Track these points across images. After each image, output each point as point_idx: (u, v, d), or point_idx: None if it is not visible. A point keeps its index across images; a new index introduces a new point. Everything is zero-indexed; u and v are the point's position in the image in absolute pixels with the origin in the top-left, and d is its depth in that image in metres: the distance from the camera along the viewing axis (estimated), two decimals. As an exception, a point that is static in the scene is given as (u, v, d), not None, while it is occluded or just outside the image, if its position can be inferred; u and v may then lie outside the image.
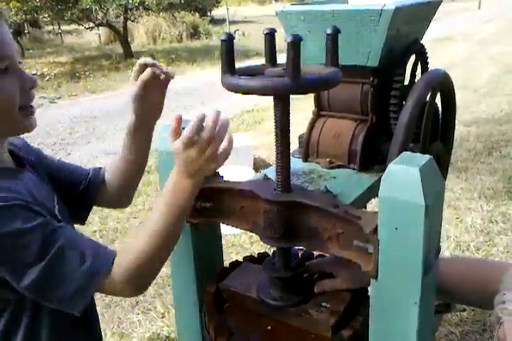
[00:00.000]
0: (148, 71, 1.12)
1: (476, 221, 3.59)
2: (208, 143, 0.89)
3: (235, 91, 0.92)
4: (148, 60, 1.13)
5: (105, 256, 0.95)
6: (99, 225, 3.80)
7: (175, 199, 0.96)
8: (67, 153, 5.81)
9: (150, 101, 1.17)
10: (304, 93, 0.92)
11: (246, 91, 0.90)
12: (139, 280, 0.98)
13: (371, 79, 1.22)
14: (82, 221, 1.33)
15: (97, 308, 2.82)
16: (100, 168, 1.34)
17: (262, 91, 0.88)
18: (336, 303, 1.09)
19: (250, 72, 0.96)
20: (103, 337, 2.41)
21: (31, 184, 1.04)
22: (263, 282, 1.16)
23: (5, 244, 0.86)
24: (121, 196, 1.35)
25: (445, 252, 3.04)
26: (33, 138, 5.49)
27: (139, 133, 1.22)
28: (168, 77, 1.13)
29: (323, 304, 1.09)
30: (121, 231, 3.72)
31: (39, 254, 0.88)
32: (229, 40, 0.92)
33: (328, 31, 0.93)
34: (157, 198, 1.01)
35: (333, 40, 0.94)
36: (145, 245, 0.96)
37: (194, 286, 1.26)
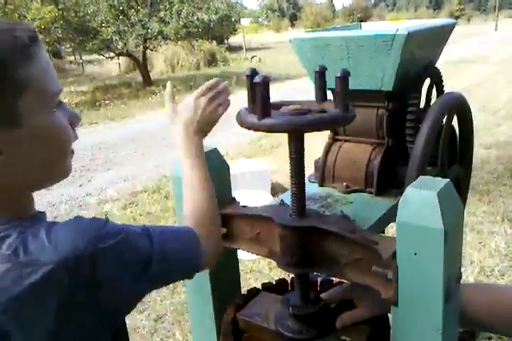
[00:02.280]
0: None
1: (500, 245, 3.51)
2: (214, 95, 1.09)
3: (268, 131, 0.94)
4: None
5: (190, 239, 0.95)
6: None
7: (198, 155, 1.06)
8: (87, 179, 5.88)
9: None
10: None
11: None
12: (218, 230, 1.05)
13: (386, 103, 1.22)
14: None
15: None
16: None
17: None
18: (356, 336, 1.07)
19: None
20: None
21: None
22: (281, 313, 1.13)
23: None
24: None
25: (469, 277, 2.97)
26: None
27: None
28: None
29: (343, 338, 1.07)
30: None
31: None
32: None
33: (338, 74, 0.93)
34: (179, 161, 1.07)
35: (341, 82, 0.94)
36: (202, 200, 1.02)
37: (212, 313, 1.24)
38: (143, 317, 2.85)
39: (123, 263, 0.77)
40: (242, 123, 0.94)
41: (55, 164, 0.81)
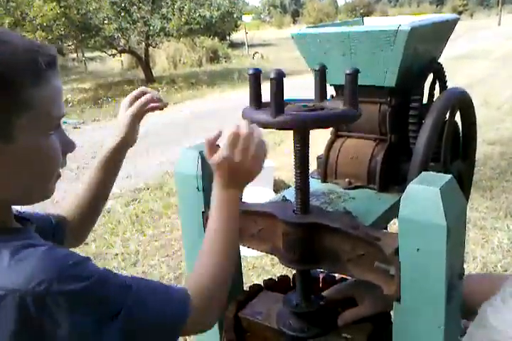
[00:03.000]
0: (149, 94, 1.16)
1: (503, 241, 3.51)
2: (246, 147, 0.88)
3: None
4: (149, 89, 1.19)
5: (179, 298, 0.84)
6: (120, 248, 3.81)
7: (227, 212, 0.93)
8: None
9: (137, 124, 1.18)
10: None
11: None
12: (218, 304, 0.91)
13: (389, 99, 1.22)
14: None
15: None
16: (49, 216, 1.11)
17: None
18: (357, 334, 1.07)
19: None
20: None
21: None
22: (283, 312, 1.13)
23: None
24: (81, 235, 1.21)
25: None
26: (57, 163, 5.56)
27: (117, 157, 1.18)
28: (162, 106, 1.18)
29: (345, 335, 1.07)
30: (142, 255, 3.72)
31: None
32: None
33: (348, 71, 0.93)
34: (207, 220, 0.95)
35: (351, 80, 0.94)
36: (211, 266, 0.90)
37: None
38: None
39: (85, 308, 0.70)
40: (252, 121, 0.93)
41: (36, 186, 0.79)
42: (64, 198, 5.07)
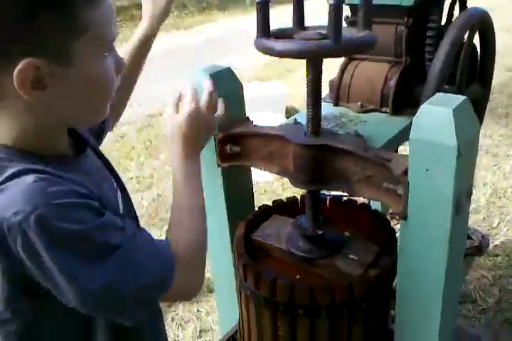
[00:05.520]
0: None
1: (515, 168, 3.51)
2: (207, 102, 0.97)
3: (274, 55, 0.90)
4: None
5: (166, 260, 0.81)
6: (135, 172, 3.88)
7: (195, 187, 0.93)
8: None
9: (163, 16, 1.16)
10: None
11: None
12: (199, 262, 0.89)
13: (406, 19, 1.18)
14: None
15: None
16: None
17: (303, 55, 0.88)
18: (364, 256, 1.10)
19: (281, 35, 0.94)
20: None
21: (95, 174, 0.87)
22: (293, 234, 1.17)
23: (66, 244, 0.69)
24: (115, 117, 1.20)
25: (481, 199, 3.00)
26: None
27: (148, 40, 1.17)
28: None
29: (351, 256, 1.10)
30: (156, 178, 3.79)
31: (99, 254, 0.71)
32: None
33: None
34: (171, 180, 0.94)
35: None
36: (190, 223, 0.88)
37: (226, 230, 1.29)
38: (162, 233, 2.97)
39: (61, 250, 0.67)
40: (263, 50, 0.91)
41: (92, 109, 0.80)
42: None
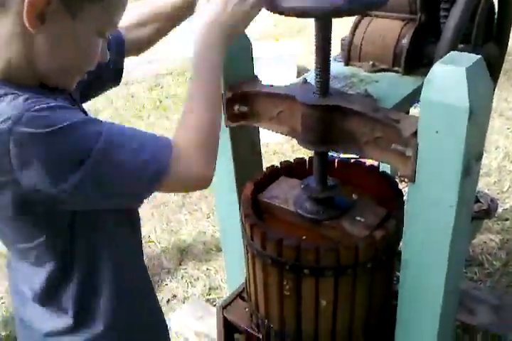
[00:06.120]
0: None
1: (528, 131, 3.45)
2: None
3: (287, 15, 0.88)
4: None
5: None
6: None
7: (216, 63, 0.91)
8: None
9: None
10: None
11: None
12: (206, 155, 0.84)
13: (422, -27, 1.13)
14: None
15: (147, 208, 2.86)
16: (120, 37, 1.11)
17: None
18: (370, 218, 1.10)
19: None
20: (153, 233, 2.55)
21: None
22: (300, 196, 1.17)
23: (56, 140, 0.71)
24: (143, 45, 1.24)
25: (492, 162, 2.97)
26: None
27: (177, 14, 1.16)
28: None
29: (358, 218, 1.10)
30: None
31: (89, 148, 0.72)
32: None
33: None
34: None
35: None
36: (199, 110, 0.86)
37: (234, 190, 1.29)
38: (171, 193, 2.99)
39: (50, 153, 0.70)
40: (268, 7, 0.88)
41: (64, 68, 0.80)
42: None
